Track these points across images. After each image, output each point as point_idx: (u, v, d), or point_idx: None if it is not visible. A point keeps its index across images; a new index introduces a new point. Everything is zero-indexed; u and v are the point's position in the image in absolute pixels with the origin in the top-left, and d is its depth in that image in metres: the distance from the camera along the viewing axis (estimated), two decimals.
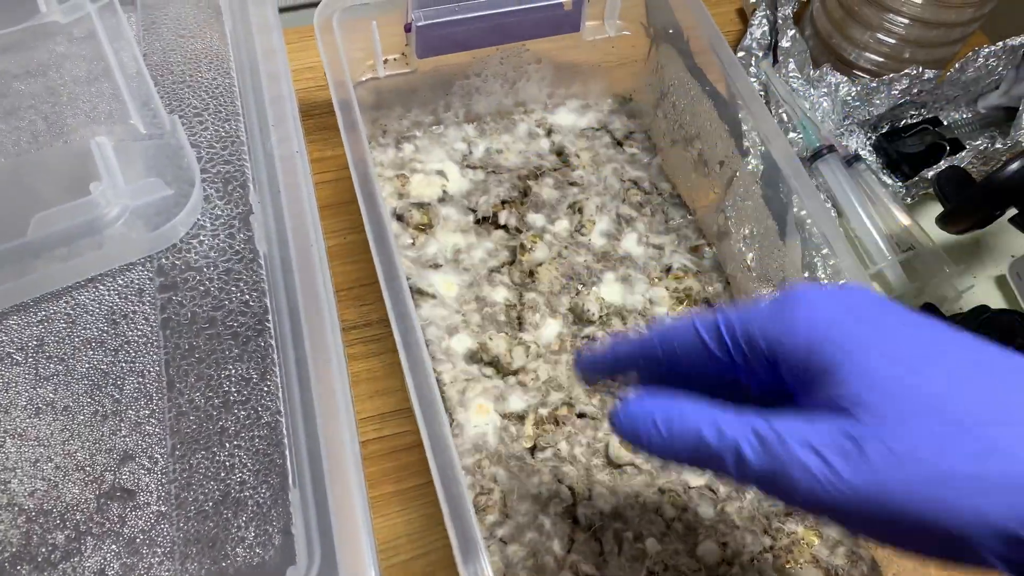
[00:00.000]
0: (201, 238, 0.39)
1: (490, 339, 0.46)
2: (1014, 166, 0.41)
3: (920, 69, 0.58)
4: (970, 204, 0.43)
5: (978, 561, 0.23)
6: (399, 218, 0.52)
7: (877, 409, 0.23)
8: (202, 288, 0.38)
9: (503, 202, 0.53)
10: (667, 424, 0.27)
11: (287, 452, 0.34)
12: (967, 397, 0.23)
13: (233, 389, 0.35)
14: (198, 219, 0.39)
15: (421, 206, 0.52)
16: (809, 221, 0.45)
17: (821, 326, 0.25)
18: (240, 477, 0.33)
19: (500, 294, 0.50)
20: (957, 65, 0.60)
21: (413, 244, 0.51)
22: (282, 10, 0.68)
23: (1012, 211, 0.45)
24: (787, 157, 0.45)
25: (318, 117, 0.60)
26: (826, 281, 0.46)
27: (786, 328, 0.26)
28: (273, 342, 0.37)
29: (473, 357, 0.47)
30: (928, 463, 0.22)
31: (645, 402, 0.28)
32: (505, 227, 0.52)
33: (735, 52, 0.65)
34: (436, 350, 0.47)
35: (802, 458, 0.24)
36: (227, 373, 0.36)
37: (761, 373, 0.27)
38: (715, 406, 0.27)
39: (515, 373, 0.47)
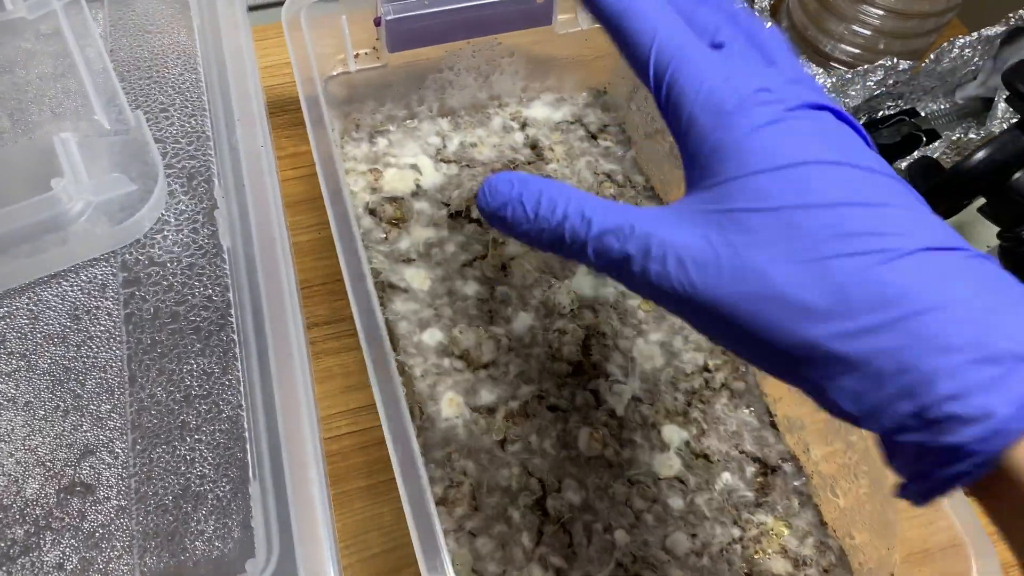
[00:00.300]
0: (165, 233, 0.39)
1: (460, 332, 0.46)
2: (980, 155, 0.41)
3: (895, 60, 0.58)
4: (938, 194, 0.43)
5: (814, 390, 0.23)
6: (372, 213, 0.52)
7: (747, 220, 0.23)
8: (165, 283, 0.38)
9: (476, 196, 0.53)
10: (534, 205, 0.26)
11: (248, 446, 0.34)
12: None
13: (195, 384, 0.35)
14: (162, 214, 0.39)
15: (394, 200, 0.52)
16: None
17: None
18: (200, 471, 0.34)
19: (472, 288, 0.50)
20: (932, 56, 0.60)
21: (386, 238, 0.51)
22: (254, 8, 0.68)
23: (982, 200, 0.45)
24: None
25: (292, 113, 0.60)
26: None
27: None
28: (236, 337, 0.37)
29: (444, 351, 0.47)
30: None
31: (512, 178, 0.27)
32: (478, 221, 0.52)
33: None
34: (407, 344, 0.47)
35: (661, 266, 0.24)
36: (189, 368, 0.36)
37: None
38: (587, 197, 0.26)
39: (486, 366, 0.47)
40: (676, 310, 0.25)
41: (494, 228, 0.27)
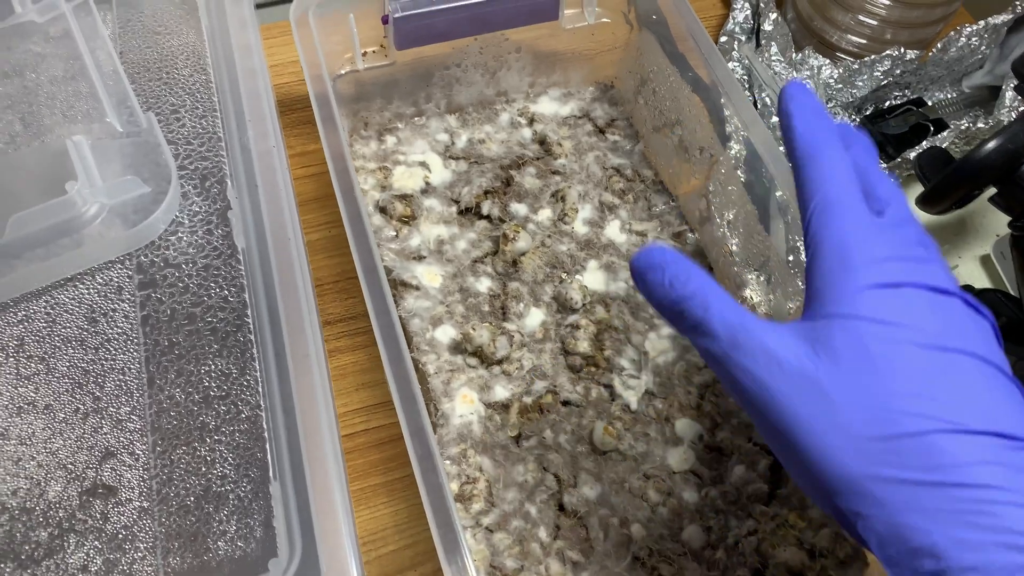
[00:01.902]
0: (179, 235, 0.39)
1: (473, 329, 0.46)
2: (991, 145, 0.41)
3: (902, 50, 0.58)
4: (948, 184, 0.43)
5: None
6: (382, 210, 0.52)
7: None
8: (181, 285, 0.38)
9: (486, 192, 0.53)
10: (673, 278, 0.28)
11: (267, 446, 0.34)
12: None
13: (213, 385, 0.36)
14: (176, 216, 0.40)
15: (404, 198, 0.52)
16: (791, 206, 0.45)
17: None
18: (221, 472, 0.34)
19: (484, 284, 0.50)
20: (939, 45, 0.60)
21: (396, 236, 0.51)
22: (260, 5, 0.68)
23: (993, 190, 0.45)
24: (766, 143, 0.45)
25: (301, 111, 0.60)
26: None
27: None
28: (252, 337, 0.37)
29: (457, 347, 0.47)
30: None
31: (665, 253, 0.29)
32: (488, 217, 0.52)
33: (718, 37, 0.65)
34: (420, 341, 0.47)
35: (751, 360, 0.26)
36: (207, 369, 0.36)
37: None
38: (718, 288, 0.28)
39: (499, 363, 0.47)
40: (747, 404, 0.26)
41: (637, 287, 0.29)
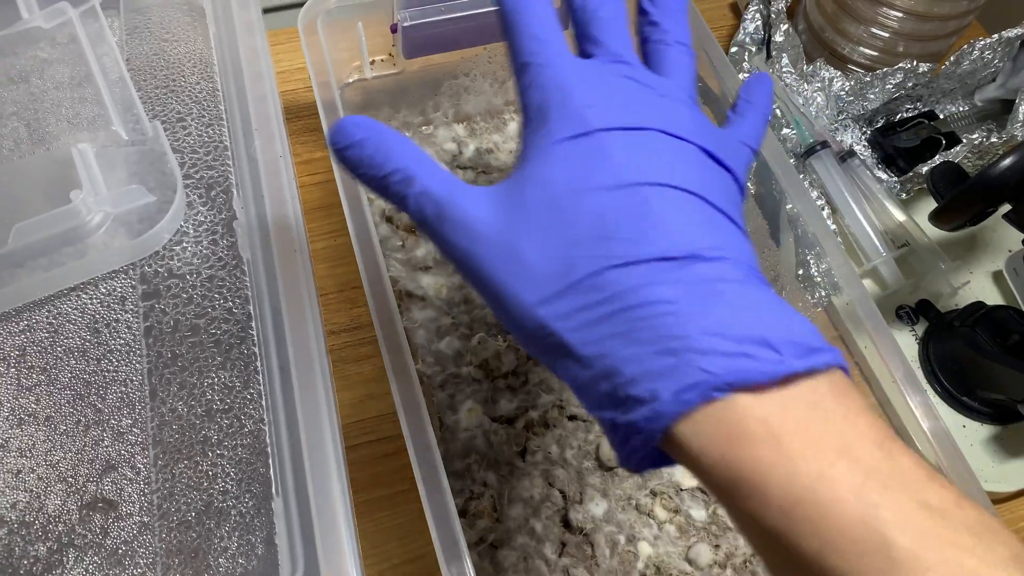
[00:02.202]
0: (184, 245, 0.39)
1: (479, 343, 0.46)
2: (1006, 162, 0.40)
3: (914, 63, 0.57)
4: (962, 201, 0.42)
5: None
6: (389, 220, 0.51)
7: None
8: (185, 295, 0.37)
9: None
10: (372, 155, 0.27)
11: (270, 461, 0.34)
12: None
13: (216, 398, 0.35)
14: (181, 225, 0.39)
15: None
16: (801, 219, 0.44)
17: None
18: (223, 487, 0.33)
19: None
20: (952, 58, 0.59)
21: (403, 246, 0.51)
22: (267, 10, 0.68)
23: (1006, 207, 0.44)
24: (777, 156, 0.45)
25: (307, 118, 0.60)
26: (819, 280, 0.46)
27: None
28: (256, 350, 0.36)
29: (462, 360, 0.47)
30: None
31: (361, 127, 0.28)
32: None
33: (729, 47, 0.65)
34: (425, 353, 0.47)
35: (455, 228, 0.26)
36: (210, 381, 0.36)
37: None
38: (423, 157, 0.27)
39: (505, 376, 0.46)
40: (458, 270, 0.27)
41: (340, 165, 0.29)
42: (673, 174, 0.25)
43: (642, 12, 0.31)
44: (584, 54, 0.29)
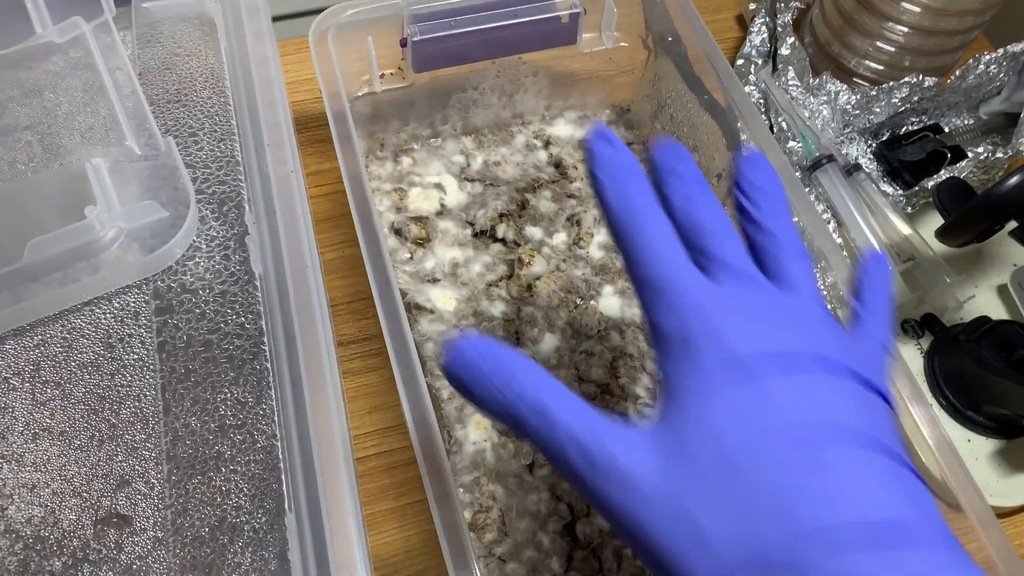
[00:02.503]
0: (197, 260, 0.39)
1: None
2: (1013, 180, 0.41)
3: (920, 77, 0.57)
4: (969, 219, 0.42)
5: None
6: (397, 232, 0.52)
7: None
8: (198, 311, 0.38)
9: (501, 215, 0.53)
10: (492, 378, 0.25)
11: (283, 477, 0.34)
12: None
13: (229, 413, 0.35)
14: (194, 241, 0.39)
15: (419, 220, 0.52)
16: (806, 233, 0.45)
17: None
18: (236, 502, 0.34)
19: (498, 308, 0.50)
20: (958, 72, 0.59)
21: (411, 258, 0.51)
22: (275, 19, 0.68)
23: (1013, 224, 0.44)
24: (783, 170, 0.45)
25: (316, 129, 0.60)
26: (825, 294, 0.46)
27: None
28: (269, 365, 0.37)
29: None
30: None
31: (478, 347, 0.26)
32: (503, 240, 0.52)
33: (735, 60, 0.65)
34: (434, 366, 0.47)
35: (606, 478, 0.24)
36: (223, 397, 0.36)
37: None
38: (553, 383, 0.25)
39: None
40: (608, 521, 0.25)
41: (454, 388, 0.26)
42: (843, 416, 0.24)
43: (741, 210, 0.30)
44: (701, 266, 0.27)
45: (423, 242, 0.52)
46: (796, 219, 0.46)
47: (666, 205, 0.29)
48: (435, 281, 0.50)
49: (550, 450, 0.25)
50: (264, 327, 0.37)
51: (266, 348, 0.37)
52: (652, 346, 0.27)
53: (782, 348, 0.25)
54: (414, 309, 0.49)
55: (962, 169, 0.55)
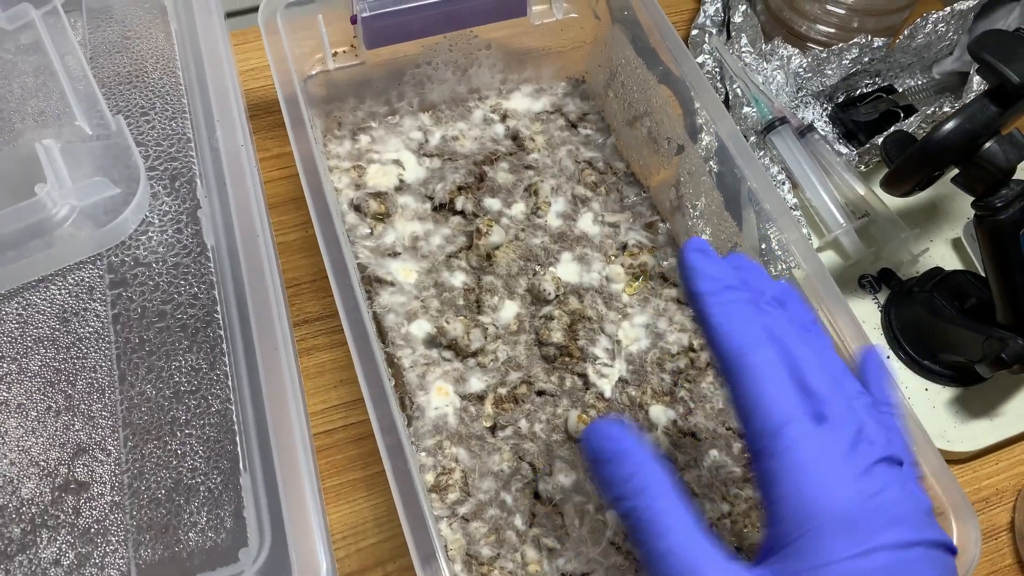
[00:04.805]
0: (150, 234, 0.40)
1: (447, 323, 0.47)
2: (949, 125, 0.41)
3: (869, 37, 0.58)
4: (910, 165, 0.43)
5: None
6: (356, 208, 0.52)
7: None
8: (151, 283, 0.38)
9: (459, 188, 0.53)
10: (628, 481, 0.27)
11: (237, 439, 0.35)
12: None
13: (184, 380, 0.36)
14: (146, 216, 0.40)
15: (378, 195, 0.53)
16: (759, 196, 0.45)
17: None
18: (192, 464, 0.34)
19: (458, 279, 0.50)
20: (907, 32, 0.60)
21: (371, 233, 0.52)
22: (233, 14, 0.69)
23: (955, 171, 0.45)
24: (733, 136, 0.46)
25: (277, 114, 0.61)
26: (779, 254, 0.47)
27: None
28: (222, 332, 0.37)
29: (432, 341, 0.48)
30: None
31: (623, 436, 0.28)
32: (462, 213, 0.53)
33: (690, 30, 0.66)
34: (396, 336, 0.48)
35: None
36: (177, 364, 0.36)
37: None
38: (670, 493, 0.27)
39: (474, 355, 0.47)
40: None
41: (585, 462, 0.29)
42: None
43: None
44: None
45: (383, 217, 0.52)
46: (750, 183, 0.46)
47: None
48: (395, 255, 0.51)
49: (648, 555, 0.26)
50: (217, 296, 0.38)
51: (219, 316, 0.38)
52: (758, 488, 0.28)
53: (899, 534, 0.27)
54: (375, 282, 0.50)
55: (910, 124, 0.56)
